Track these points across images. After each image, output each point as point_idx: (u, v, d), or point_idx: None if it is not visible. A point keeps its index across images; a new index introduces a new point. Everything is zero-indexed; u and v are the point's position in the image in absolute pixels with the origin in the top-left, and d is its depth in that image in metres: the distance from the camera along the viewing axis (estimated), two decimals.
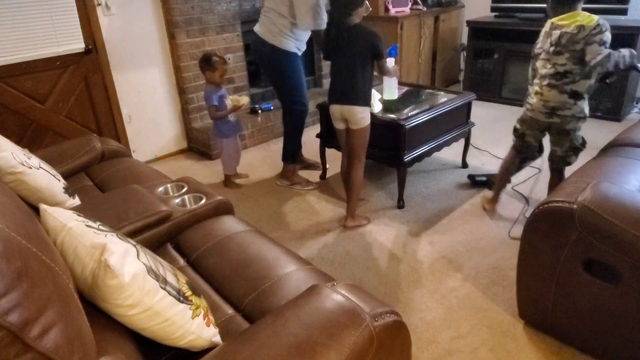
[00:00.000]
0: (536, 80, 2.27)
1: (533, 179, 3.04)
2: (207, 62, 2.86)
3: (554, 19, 2.20)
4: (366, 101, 2.40)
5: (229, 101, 2.96)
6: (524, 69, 4.39)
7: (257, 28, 2.87)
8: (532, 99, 2.28)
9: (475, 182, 3.04)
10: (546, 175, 2.71)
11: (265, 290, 1.39)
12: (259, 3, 3.86)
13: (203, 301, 1.19)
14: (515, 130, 2.47)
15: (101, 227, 1.11)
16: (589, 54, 2.05)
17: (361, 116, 2.40)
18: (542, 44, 2.25)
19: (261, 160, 3.64)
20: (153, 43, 3.46)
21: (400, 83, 3.52)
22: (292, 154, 3.13)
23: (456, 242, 2.44)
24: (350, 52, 2.33)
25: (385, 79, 2.99)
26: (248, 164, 3.53)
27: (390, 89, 3.07)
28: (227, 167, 3.17)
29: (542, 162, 3.25)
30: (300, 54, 2.93)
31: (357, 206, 2.63)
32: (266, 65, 2.97)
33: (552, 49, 2.16)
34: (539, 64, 2.26)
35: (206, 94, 2.92)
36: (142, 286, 0.99)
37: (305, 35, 2.90)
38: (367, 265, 2.29)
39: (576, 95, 2.15)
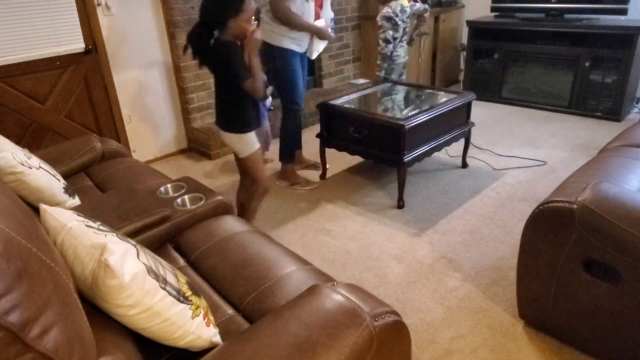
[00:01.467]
0: (400, 42, 3.37)
1: (538, 169, 3.05)
2: None
3: (401, 1, 3.24)
4: (238, 127, 2.07)
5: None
6: (525, 69, 4.42)
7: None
8: (402, 53, 3.44)
9: None
10: (550, 169, 2.89)
11: (265, 290, 1.39)
12: (258, 3, 3.85)
13: (203, 301, 1.19)
14: (385, 79, 3.51)
15: (101, 227, 1.11)
16: (424, 20, 3.49)
17: (237, 146, 2.12)
18: (401, 17, 3.26)
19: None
20: (153, 43, 3.46)
21: (400, 83, 3.51)
22: (288, 153, 3.12)
23: (456, 242, 2.44)
24: (212, 68, 2.03)
25: (315, 39, 2.93)
26: None
27: (317, 48, 3.02)
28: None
29: (546, 156, 3.27)
30: (301, 51, 2.92)
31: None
32: (265, 63, 2.99)
33: (408, 20, 3.32)
34: (405, 31, 3.37)
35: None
36: (142, 286, 0.99)
37: (302, 32, 2.87)
38: (367, 265, 2.29)
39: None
